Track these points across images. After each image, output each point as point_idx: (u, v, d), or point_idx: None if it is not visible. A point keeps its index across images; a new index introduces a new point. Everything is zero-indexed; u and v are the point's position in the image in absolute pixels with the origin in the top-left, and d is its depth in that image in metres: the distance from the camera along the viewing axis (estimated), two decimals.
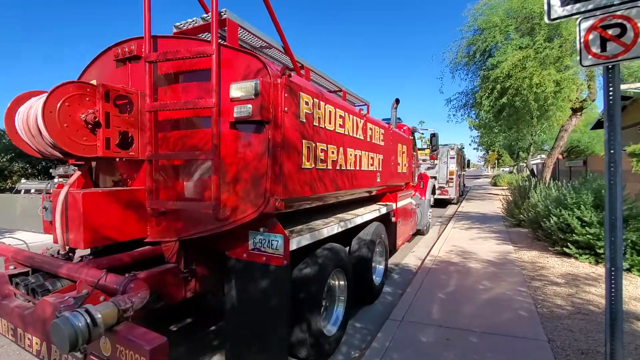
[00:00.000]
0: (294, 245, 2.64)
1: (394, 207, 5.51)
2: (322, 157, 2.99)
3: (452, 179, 14.84)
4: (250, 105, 2.25)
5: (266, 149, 2.34)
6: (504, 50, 11.21)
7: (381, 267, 4.90)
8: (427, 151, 9.66)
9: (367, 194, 4.89)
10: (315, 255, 3.09)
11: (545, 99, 11.25)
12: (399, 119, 7.88)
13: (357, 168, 3.80)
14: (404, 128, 7.56)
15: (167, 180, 2.66)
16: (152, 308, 2.44)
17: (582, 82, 11.80)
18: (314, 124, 2.84)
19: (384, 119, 6.72)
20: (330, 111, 3.13)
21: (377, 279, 4.69)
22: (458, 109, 16.62)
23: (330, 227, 3.28)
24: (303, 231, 2.94)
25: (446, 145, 15.32)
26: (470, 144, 29.27)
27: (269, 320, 2.60)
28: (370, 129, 4.21)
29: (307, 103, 2.71)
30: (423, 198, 8.67)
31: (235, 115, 2.30)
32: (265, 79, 2.29)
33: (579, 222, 5.72)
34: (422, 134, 8.67)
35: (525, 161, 25.21)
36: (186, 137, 2.60)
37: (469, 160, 25.10)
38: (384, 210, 4.95)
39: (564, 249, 5.92)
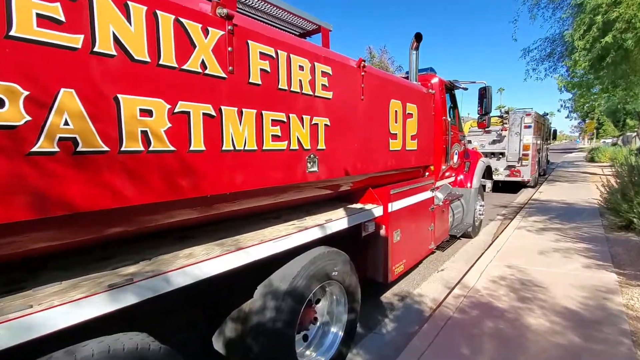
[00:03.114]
0: None
1: (377, 214, 3.12)
2: None
3: (526, 155, 11.27)
4: None
5: None
6: None
7: (335, 329, 2.64)
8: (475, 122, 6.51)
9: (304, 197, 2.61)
10: None
11: None
12: (430, 69, 5.27)
13: (192, 147, 1.57)
14: (434, 81, 4.93)
15: None
16: None
17: None
18: None
19: (404, 74, 4.25)
20: None
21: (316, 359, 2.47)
22: (540, 62, 12.73)
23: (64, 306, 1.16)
24: None
25: (519, 110, 11.70)
26: (559, 110, 23.83)
27: None
28: (266, 56, 1.89)
29: None
30: (468, 186, 5.94)
31: None
32: None
33: None
34: (466, 88, 5.78)
35: (637, 129, 19.45)
36: None
37: (555, 131, 20.09)
38: (338, 225, 2.60)
39: None
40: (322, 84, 2.31)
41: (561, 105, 22.05)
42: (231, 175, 1.74)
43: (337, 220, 2.56)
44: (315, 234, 2.32)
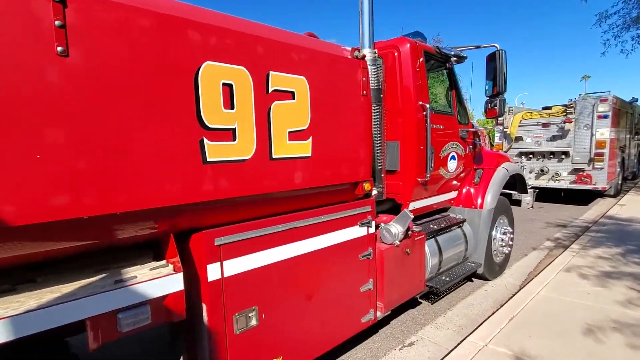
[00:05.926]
0: None
1: (163, 291, 1.56)
2: None
3: (600, 154, 8.45)
4: None
5: None
6: None
7: None
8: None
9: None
10: None
11: None
12: (416, 32, 3.64)
13: None
14: (404, 48, 3.24)
15: None
16: None
17: None
18: None
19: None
20: None
21: None
22: (623, 29, 9.71)
23: None
24: None
25: (591, 95, 8.92)
26: None
27: None
28: None
29: None
30: (478, 205, 3.99)
31: None
32: None
33: None
34: (465, 57, 3.79)
35: None
36: None
37: None
38: None
39: None
40: None
41: None
42: None
43: None
44: None
